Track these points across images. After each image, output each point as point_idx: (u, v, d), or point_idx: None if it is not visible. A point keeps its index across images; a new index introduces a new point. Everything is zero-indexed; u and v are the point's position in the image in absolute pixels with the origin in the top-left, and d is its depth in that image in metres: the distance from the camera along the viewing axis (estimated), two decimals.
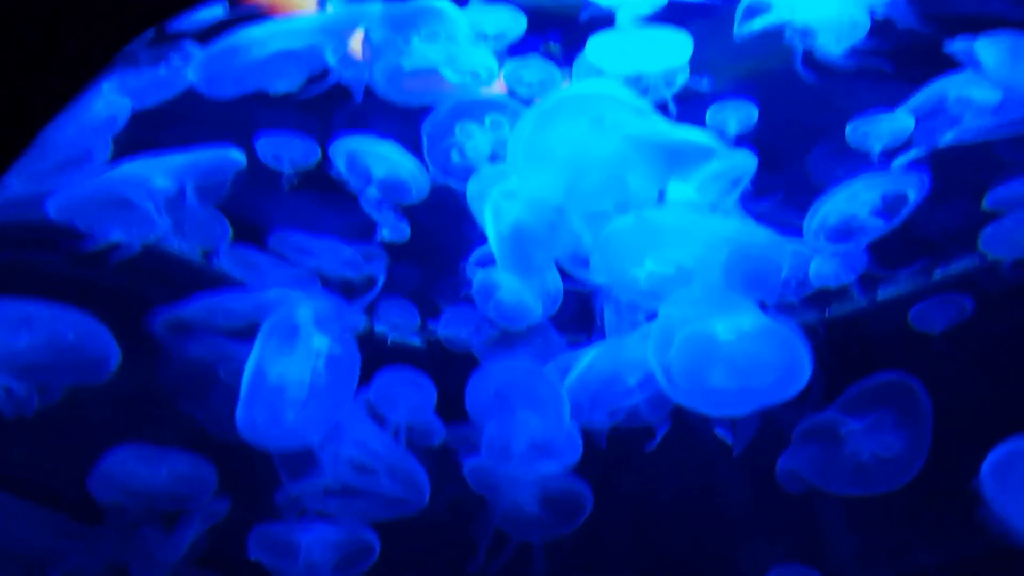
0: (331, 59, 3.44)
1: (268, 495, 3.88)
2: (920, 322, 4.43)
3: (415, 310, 4.58)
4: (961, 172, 3.92)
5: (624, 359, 3.96)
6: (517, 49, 3.80)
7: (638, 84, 3.51)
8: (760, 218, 3.81)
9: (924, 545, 4.45)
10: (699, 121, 3.80)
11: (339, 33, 3.43)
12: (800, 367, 3.28)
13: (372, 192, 4.09)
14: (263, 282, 4.22)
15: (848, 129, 3.82)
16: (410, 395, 4.08)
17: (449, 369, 4.31)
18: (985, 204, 4.07)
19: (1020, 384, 4.29)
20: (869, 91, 3.71)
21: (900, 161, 3.82)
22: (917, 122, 3.71)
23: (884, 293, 4.49)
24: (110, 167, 3.61)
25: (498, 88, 3.85)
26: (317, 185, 4.16)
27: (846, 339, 4.51)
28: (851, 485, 4.15)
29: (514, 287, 4.01)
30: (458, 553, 4.23)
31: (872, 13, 3.57)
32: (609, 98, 3.15)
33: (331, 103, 4.01)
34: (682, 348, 3.30)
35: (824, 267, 4.27)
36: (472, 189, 3.65)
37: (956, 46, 3.37)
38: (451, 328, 4.50)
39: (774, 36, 3.58)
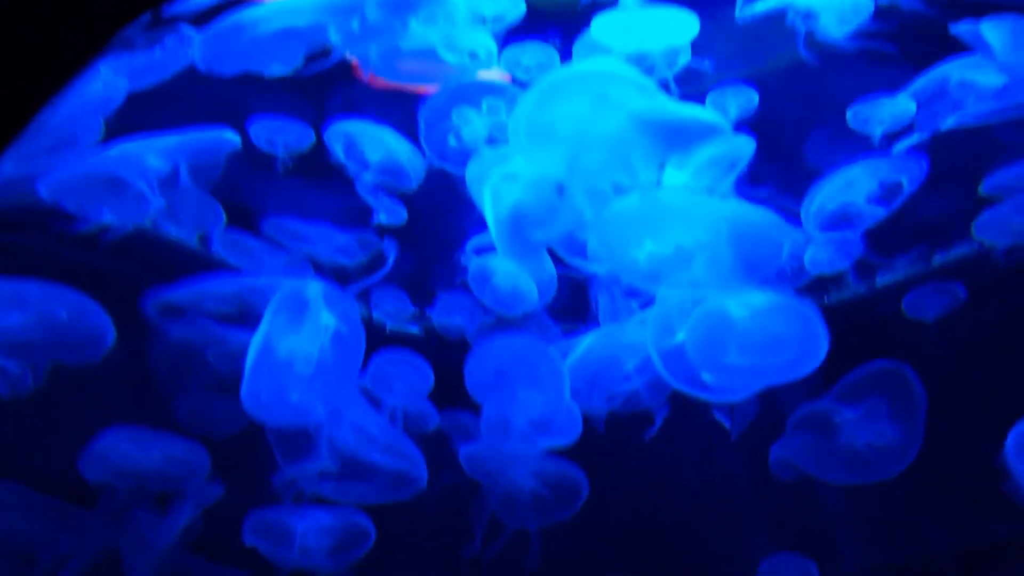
0: (334, 38, 3.42)
1: (264, 480, 3.84)
2: (913, 310, 4.43)
3: (409, 297, 4.55)
4: (959, 157, 3.92)
5: (622, 344, 3.96)
6: (516, 33, 3.79)
7: (641, 64, 3.49)
8: (757, 204, 3.80)
9: (920, 533, 4.46)
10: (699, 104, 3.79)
11: (342, 11, 3.40)
12: (817, 341, 3.27)
13: (368, 177, 4.06)
14: (256, 267, 4.19)
15: (849, 113, 3.81)
16: (407, 377, 4.06)
17: (444, 356, 4.28)
18: (982, 190, 4.07)
19: (1014, 371, 4.31)
20: (872, 74, 3.70)
21: (901, 146, 3.81)
22: (919, 106, 3.71)
23: (879, 280, 4.49)
24: (103, 147, 3.58)
25: (497, 75, 3.83)
26: (311, 170, 4.13)
27: (841, 327, 4.51)
28: (846, 474, 4.15)
29: (510, 274, 3.99)
30: (453, 539, 4.21)
31: None
32: (613, 75, 3.13)
33: (326, 86, 3.99)
34: (696, 327, 3.27)
35: (820, 254, 4.27)
36: (472, 172, 3.62)
37: (961, 28, 3.36)
38: (446, 315, 4.47)
39: (776, 18, 3.58)
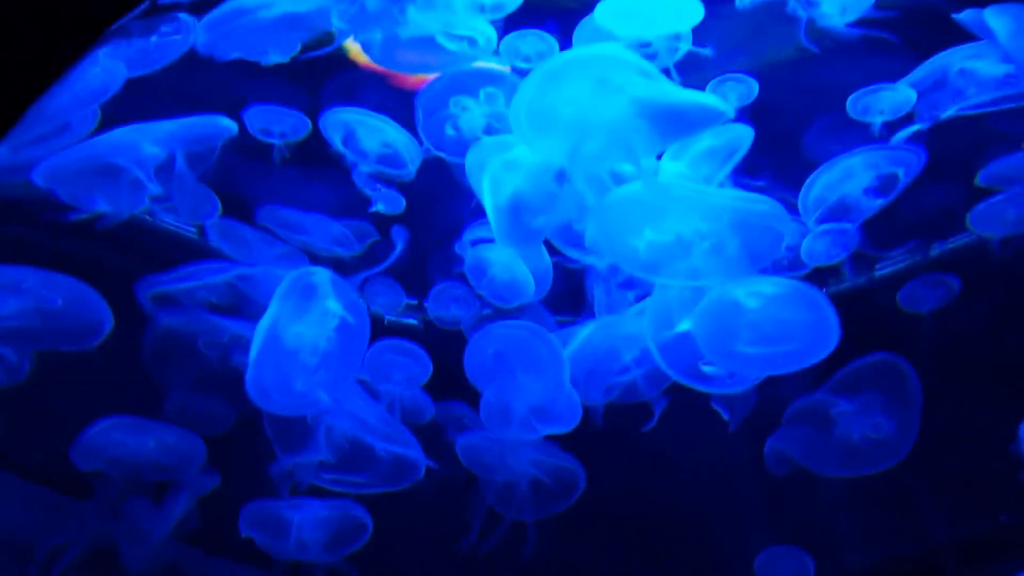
0: (335, 24, 3.40)
1: (260, 471, 3.81)
2: (908, 302, 4.43)
3: (404, 288, 4.53)
4: (956, 148, 3.93)
5: (620, 335, 3.94)
6: (515, 21, 3.77)
7: (642, 50, 3.48)
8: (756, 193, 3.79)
9: (917, 525, 4.46)
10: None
11: None
12: (829, 328, 3.24)
13: (365, 166, 4.03)
14: (250, 257, 4.16)
15: (849, 102, 3.80)
16: (405, 367, 4.04)
17: (439, 347, 4.26)
18: (979, 180, 4.07)
19: (1010, 362, 4.32)
20: (873, 63, 3.69)
21: (900, 136, 3.81)
22: (919, 95, 3.70)
23: (876, 272, 4.49)
24: (99, 135, 3.55)
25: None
26: (306, 159, 4.10)
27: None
28: (842, 466, 4.15)
29: (507, 265, 3.97)
30: (450, 531, 4.19)
31: None
32: (615, 59, 3.10)
33: (322, 74, 3.97)
34: (706, 317, 3.25)
35: (816, 245, 4.26)
36: (471, 159, 3.60)
37: (964, 16, 3.36)
38: (442, 306, 4.45)
39: (777, 5, 3.57)
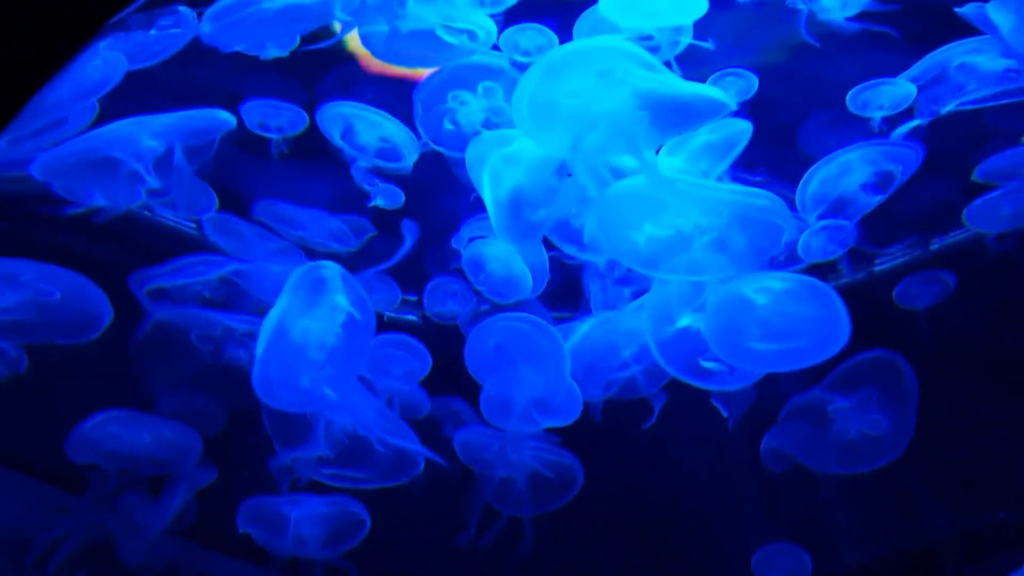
0: (337, 16, 3.39)
1: (259, 467, 3.79)
2: (904, 298, 4.44)
3: (399, 283, 4.52)
4: (953, 143, 3.93)
5: (619, 331, 3.93)
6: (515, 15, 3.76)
7: (644, 43, 3.46)
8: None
9: (915, 521, 4.46)
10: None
11: None
12: (839, 322, 3.21)
13: (363, 160, 4.02)
14: (246, 252, 4.14)
15: (848, 97, 3.80)
16: (404, 360, 4.02)
17: (436, 343, 4.25)
18: (975, 176, 4.08)
19: (1006, 358, 4.33)
20: (874, 57, 3.69)
21: (899, 131, 3.81)
22: (919, 90, 3.70)
23: (872, 268, 4.49)
24: (98, 128, 3.53)
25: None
26: (303, 153, 4.09)
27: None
28: (839, 463, 4.15)
29: (505, 260, 3.96)
30: (447, 528, 4.18)
31: None
32: (617, 51, 3.09)
33: (319, 68, 3.95)
34: (716, 314, 3.22)
35: (813, 241, 4.26)
36: (471, 154, 3.59)
37: (967, 9, 3.36)
38: (438, 302, 4.43)
39: None
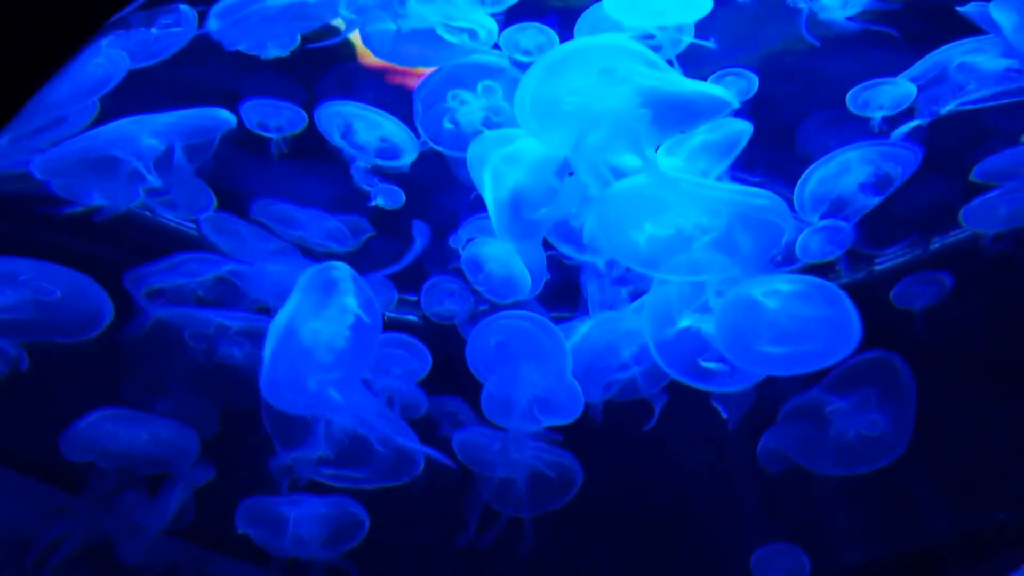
0: (340, 14, 3.38)
1: (258, 466, 3.78)
2: (902, 299, 4.44)
3: (395, 283, 4.51)
4: (951, 143, 3.93)
5: (619, 332, 3.92)
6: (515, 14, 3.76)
7: (646, 42, 3.46)
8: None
9: (913, 521, 4.46)
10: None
11: None
12: (850, 324, 3.20)
13: (362, 160, 4.01)
14: (244, 252, 4.12)
15: (849, 96, 3.80)
16: (404, 360, 4.01)
17: (439, 342, 4.24)
18: (973, 176, 4.08)
19: (1003, 359, 4.33)
20: (874, 56, 3.69)
21: (899, 131, 3.81)
22: (920, 90, 3.70)
23: (870, 268, 4.50)
24: (99, 127, 3.52)
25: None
26: (302, 153, 4.08)
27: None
28: (837, 464, 4.14)
29: (504, 260, 3.95)
30: (447, 528, 4.17)
31: None
32: (619, 48, 3.08)
33: (318, 67, 3.94)
34: (725, 318, 3.21)
35: (811, 241, 4.26)
36: (472, 153, 3.58)
37: (970, 9, 3.36)
38: (435, 301, 4.43)
39: None
